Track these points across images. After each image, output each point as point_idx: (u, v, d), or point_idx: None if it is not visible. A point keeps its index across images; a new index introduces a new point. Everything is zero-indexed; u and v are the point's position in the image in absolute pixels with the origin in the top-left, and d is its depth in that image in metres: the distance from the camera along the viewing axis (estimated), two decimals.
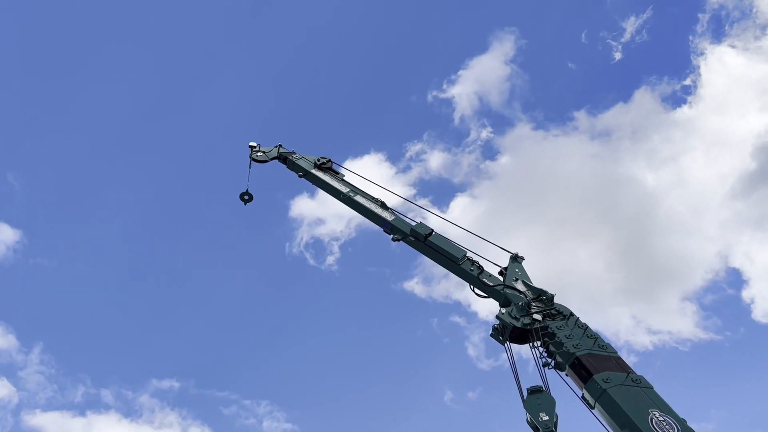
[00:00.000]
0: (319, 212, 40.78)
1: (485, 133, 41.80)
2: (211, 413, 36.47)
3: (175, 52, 45.56)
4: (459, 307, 38.42)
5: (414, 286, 38.33)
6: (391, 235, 14.34)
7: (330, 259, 39.94)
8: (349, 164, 38.92)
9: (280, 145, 17.95)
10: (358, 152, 38.78)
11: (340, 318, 40.47)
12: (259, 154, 17.98)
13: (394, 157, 42.85)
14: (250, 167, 17.95)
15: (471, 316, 37.18)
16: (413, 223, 14.13)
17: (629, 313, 34.69)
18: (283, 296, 42.27)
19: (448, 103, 43.81)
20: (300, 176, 16.96)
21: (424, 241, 13.65)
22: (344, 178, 16.34)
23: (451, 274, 13.38)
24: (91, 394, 35.97)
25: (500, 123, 43.90)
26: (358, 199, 15.35)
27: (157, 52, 45.52)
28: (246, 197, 18.22)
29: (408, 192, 37.59)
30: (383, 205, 15.00)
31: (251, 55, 46.17)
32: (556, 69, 45.31)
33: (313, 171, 16.58)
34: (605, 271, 37.11)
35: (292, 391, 38.31)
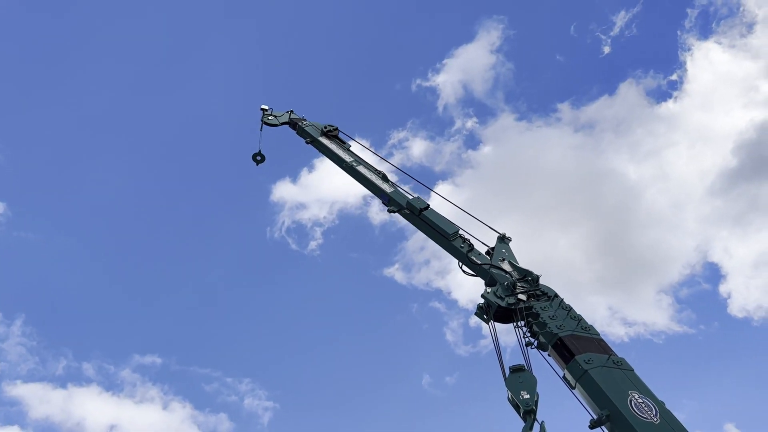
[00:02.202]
0: (301, 197, 40.82)
1: (470, 123, 41.83)
2: (193, 389, 36.65)
3: (163, 47, 45.24)
4: (439, 294, 38.79)
5: (394, 272, 38.54)
6: (388, 207, 14.60)
7: (312, 244, 40.00)
8: None
9: (292, 111, 18.31)
10: (343, 138, 38.53)
11: (322, 301, 40.76)
12: (270, 117, 18.38)
13: (377, 143, 42.73)
14: (261, 130, 18.39)
15: (451, 303, 37.53)
16: (410, 197, 14.33)
17: (605, 304, 35.00)
18: (264, 278, 42.46)
19: (433, 91, 43.76)
20: (307, 142, 17.35)
21: (419, 215, 13.83)
22: (350, 148, 16.67)
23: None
24: (72, 368, 35.99)
25: (484, 113, 43.94)
26: (360, 169, 15.61)
27: (144, 43, 45.12)
28: (258, 158, 18.58)
29: (390, 178, 37.24)
30: (384, 177, 15.25)
31: (234, 42, 46.02)
32: (543, 60, 45.40)
33: (320, 138, 16.93)
34: (584, 261, 37.42)
35: (273, 370, 38.62)
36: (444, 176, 41.44)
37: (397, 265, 38.68)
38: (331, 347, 38.80)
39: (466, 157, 41.53)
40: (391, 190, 14.74)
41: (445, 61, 43.60)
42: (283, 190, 41.63)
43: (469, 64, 42.48)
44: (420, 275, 38.20)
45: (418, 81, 42.94)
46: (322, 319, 39.92)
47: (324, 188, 40.85)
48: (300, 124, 17.69)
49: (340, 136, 17.20)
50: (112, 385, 35.81)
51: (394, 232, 41.53)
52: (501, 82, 42.30)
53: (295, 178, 41.44)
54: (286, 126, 18.43)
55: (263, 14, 45.77)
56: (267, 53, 45.98)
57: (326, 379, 37.31)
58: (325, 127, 17.21)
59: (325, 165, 41.20)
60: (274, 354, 38.80)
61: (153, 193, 44.02)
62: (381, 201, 14.93)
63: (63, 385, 35.48)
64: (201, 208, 43.59)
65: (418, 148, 41.63)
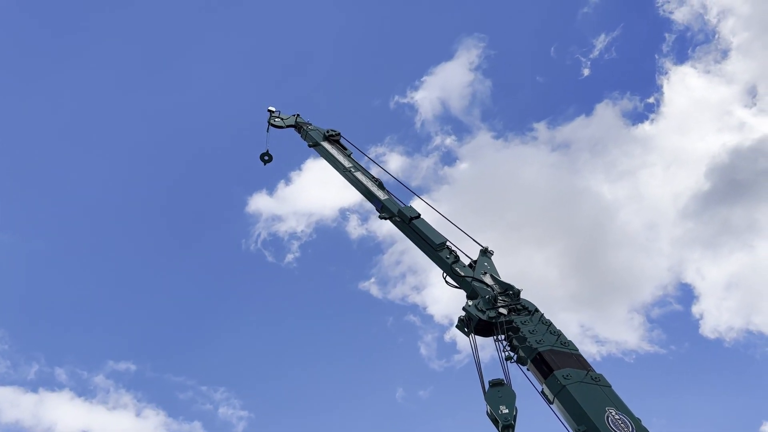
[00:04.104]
0: (277, 209, 40.76)
1: (449, 140, 42.11)
2: (167, 397, 36.20)
3: (138, 60, 44.98)
4: (415, 309, 38.96)
5: (370, 286, 38.60)
6: (380, 213, 14.96)
7: (289, 257, 40.01)
8: (312, 163, 39.02)
9: (298, 115, 18.81)
10: (345, 144, 38.48)
11: (298, 312, 40.58)
12: (277, 120, 18.85)
13: (356, 158, 42.44)
14: (267, 131, 18.92)
15: (426, 317, 37.67)
16: (403, 206, 14.62)
17: (577, 321, 35.11)
18: (240, 289, 42.19)
19: (411, 107, 44.02)
20: (309, 146, 17.86)
21: (408, 223, 14.03)
22: (351, 155, 17.05)
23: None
24: (44, 372, 35.39)
25: (461, 130, 44.16)
26: (358, 175, 15.97)
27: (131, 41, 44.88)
28: (266, 158, 19.08)
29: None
30: (380, 185, 15.58)
31: (211, 57, 45.97)
32: (522, 80, 45.80)
33: (323, 143, 17.34)
34: (558, 277, 37.44)
35: (248, 380, 38.34)
36: (420, 192, 41.08)
37: (373, 279, 38.84)
38: (306, 358, 38.77)
39: (442, 173, 41.78)
40: (385, 197, 15.04)
41: (424, 78, 43.90)
42: (259, 202, 41.68)
43: (449, 83, 42.79)
44: (396, 290, 38.42)
45: (397, 98, 43.21)
46: (297, 330, 39.96)
47: (301, 201, 41.06)
48: (305, 128, 18.15)
49: (343, 143, 17.60)
50: (84, 391, 35.42)
51: (371, 246, 41.70)
52: (478, 99, 42.63)
53: (271, 190, 41.49)
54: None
55: (246, 31, 45.90)
56: (246, 70, 46.11)
57: (301, 390, 37.27)
58: (328, 132, 17.67)
59: (302, 178, 41.52)
60: (249, 364, 38.65)
61: (129, 200, 43.84)
62: (375, 208, 15.25)
63: (34, 390, 35.04)
64: (176, 216, 43.59)
65: (395, 163, 41.68)
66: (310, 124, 18.30)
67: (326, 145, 17.27)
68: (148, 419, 35.01)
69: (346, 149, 17.32)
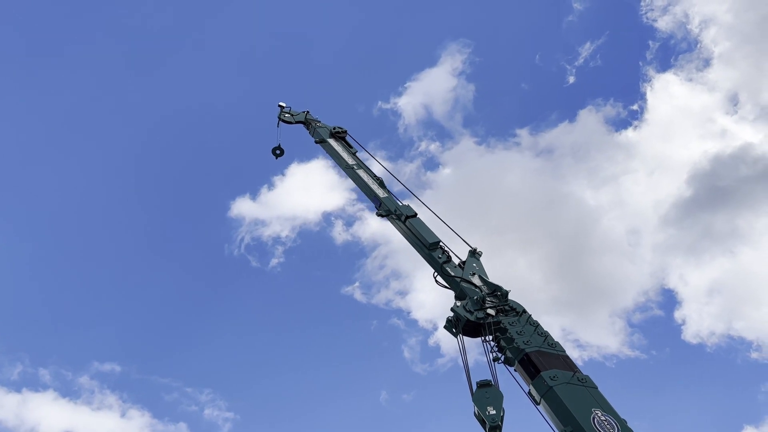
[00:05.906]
0: (260, 214, 40.70)
1: (433, 146, 42.20)
2: (152, 398, 36.14)
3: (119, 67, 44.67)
4: (399, 313, 39.11)
5: (354, 290, 38.70)
6: (377, 210, 15.27)
7: (274, 261, 40.00)
8: (296, 168, 38.98)
9: (308, 112, 19.26)
10: (306, 157, 38.33)
11: (283, 316, 40.74)
12: (287, 116, 19.35)
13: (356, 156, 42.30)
14: (278, 126, 19.44)
15: (410, 322, 37.81)
16: (401, 204, 14.90)
17: (559, 324, 35.28)
18: (226, 293, 42.22)
19: (395, 113, 44.11)
20: (316, 142, 18.32)
21: (404, 222, 14.27)
22: (356, 153, 17.42)
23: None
24: (28, 373, 35.27)
25: (444, 135, 44.27)
26: (360, 173, 16.32)
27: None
28: (278, 152, 19.59)
29: (348, 197, 38.33)
30: (381, 184, 15.88)
31: (195, 65, 45.75)
32: (506, 87, 45.98)
33: (329, 140, 17.78)
34: (541, 281, 37.53)
35: (234, 381, 38.37)
36: (403, 197, 41.27)
37: (357, 283, 38.96)
38: (290, 362, 38.90)
39: (425, 178, 41.85)
40: (385, 195, 15.31)
41: (408, 84, 44.01)
42: (242, 207, 41.53)
43: (432, 88, 42.94)
44: (380, 294, 38.57)
45: (380, 103, 43.29)
46: (282, 334, 40.08)
47: (284, 205, 41.06)
48: (314, 125, 18.59)
49: (350, 141, 17.95)
50: (68, 392, 35.28)
51: (356, 251, 41.77)
52: (461, 105, 42.73)
53: (254, 194, 41.46)
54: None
55: (234, 38, 45.73)
56: (228, 76, 46.09)
57: (286, 392, 37.42)
58: (334, 128, 18.09)
59: (286, 182, 41.57)
60: (235, 366, 38.71)
61: (113, 203, 43.77)
62: (374, 205, 15.53)
63: (17, 390, 34.83)
64: (160, 219, 43.53)
65: (377, 168, 41.62)
66: (319, 121, 18.71)
67: (332, 142, 17.64)
68: (133, 420, 34.94)
69: (351, 147, 17.66)
